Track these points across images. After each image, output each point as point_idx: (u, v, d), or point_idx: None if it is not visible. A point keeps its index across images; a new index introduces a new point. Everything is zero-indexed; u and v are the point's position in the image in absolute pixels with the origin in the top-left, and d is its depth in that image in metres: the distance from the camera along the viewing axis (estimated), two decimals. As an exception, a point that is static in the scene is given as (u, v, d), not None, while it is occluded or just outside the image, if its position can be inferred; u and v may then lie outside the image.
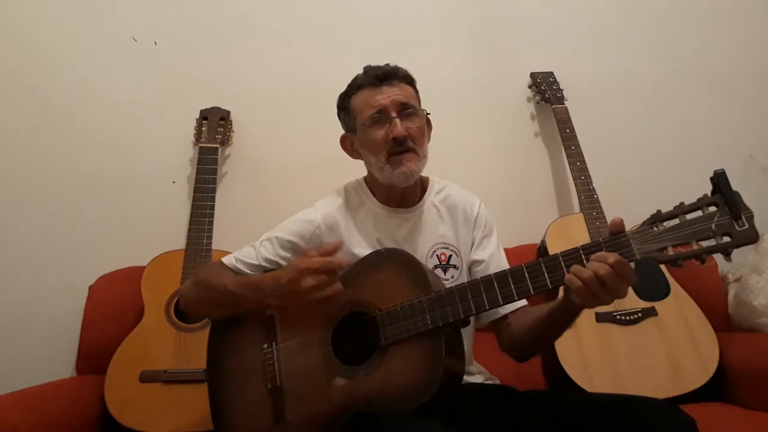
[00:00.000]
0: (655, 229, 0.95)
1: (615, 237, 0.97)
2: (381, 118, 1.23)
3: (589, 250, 0.99)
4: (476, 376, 1.31)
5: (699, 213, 0.92)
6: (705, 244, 0.91)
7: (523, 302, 1.26)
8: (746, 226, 0.89)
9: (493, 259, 1.32)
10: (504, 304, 1.07)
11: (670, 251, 0.93)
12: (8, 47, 1.97)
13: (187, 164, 1.99)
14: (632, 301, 1.67)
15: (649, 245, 0.94)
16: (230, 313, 1.28)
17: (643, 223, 0.96)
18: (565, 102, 2.02)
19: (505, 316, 1.26)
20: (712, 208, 0.91)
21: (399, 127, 1.21)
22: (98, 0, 2.02)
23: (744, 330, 1.72)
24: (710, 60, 2.20)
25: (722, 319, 1.76)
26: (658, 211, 0.96)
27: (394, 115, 1.22)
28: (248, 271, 1.28)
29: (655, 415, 0.94)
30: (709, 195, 0.92)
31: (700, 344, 1.60)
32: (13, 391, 1.44)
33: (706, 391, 1.54)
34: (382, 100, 1.23)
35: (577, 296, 0.97)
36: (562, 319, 1.13)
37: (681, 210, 0.93)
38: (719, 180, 0.91)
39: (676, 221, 0.94)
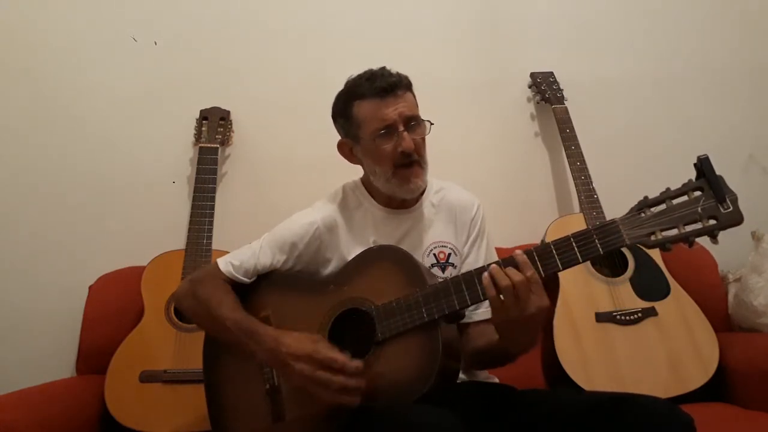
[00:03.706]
0: (643, 215, 0.97)
1: (605, 224, 0.98)
2: (388, 132, 1.23)
3: (579, 237, 1.00)
4: (476, 374, 1.31)
5: (685, 198, 0.94)
6: (692, 227, 0.93)
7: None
8: (731, 209, 0.91)
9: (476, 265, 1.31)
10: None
11: (659, 236, 0.95)
12: (8, 47, 1.97)
13: (187, 164, 1.99)
14: (632, 301, 1.67)
15: (638, 231, 0.96)
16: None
17: (631, 210, 0.98)
18: (565, 102, 2.02)
19: (469, 324, 1.28)
20: (697, 193, 0.94)
21: (408, 140, 1.23)
22: (98, 0, 2.02)
23: (744, 330, 1.73)
24: (710, 60, 2.20)
25: (722, 319, 1.76)
26: (645, 197, 0.98)
27: (401, 128, 1.23)
28: (246, 279, 1.27)
29: (652, 413, 0.94)
30: (694, 180, 0.94)
31: (700, 344, 1.60)
32: (13, 391, 1.44)
33: (706, 391, 1.54)
34: (390, 114, 1.23)
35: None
36: (495, 354, 1.17)
37: (667, 195, 0.96)
38: (703, 165, 0.93)
39: (663, 206, 0.96)
